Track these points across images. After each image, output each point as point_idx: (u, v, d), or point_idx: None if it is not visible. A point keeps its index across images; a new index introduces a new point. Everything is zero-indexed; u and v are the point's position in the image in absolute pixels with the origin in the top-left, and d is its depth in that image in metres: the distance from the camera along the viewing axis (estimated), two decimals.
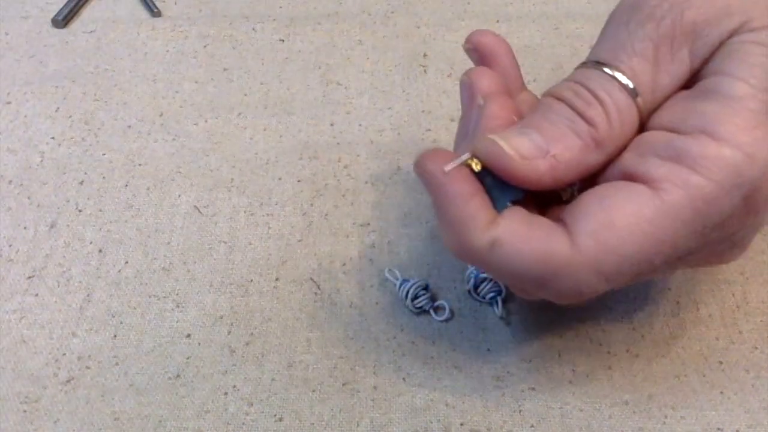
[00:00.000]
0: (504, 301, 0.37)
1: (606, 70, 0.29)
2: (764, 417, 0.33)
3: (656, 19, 0.29)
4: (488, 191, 0.28)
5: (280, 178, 0.43)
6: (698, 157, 0.26)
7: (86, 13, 0.53)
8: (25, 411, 0.34)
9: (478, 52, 0.33)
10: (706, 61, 0.28)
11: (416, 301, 0.36)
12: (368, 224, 0.41)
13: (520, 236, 0.27)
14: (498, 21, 0.51)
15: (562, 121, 0.28)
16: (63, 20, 0.51)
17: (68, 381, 0.35)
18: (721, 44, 0.28)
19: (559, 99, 0.29)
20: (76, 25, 0.52)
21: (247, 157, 0.44)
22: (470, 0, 0.52)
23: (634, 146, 0.28)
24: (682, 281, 0.38)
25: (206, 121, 0.46)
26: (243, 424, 0.34)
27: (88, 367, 0.35)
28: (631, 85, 0.28)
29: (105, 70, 0.49)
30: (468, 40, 0.33)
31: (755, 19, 0.28)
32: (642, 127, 0.29)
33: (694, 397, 0.34)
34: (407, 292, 0.37)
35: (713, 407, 0.34)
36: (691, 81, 0.29)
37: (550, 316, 0.37)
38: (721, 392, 0.34)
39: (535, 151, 0.28)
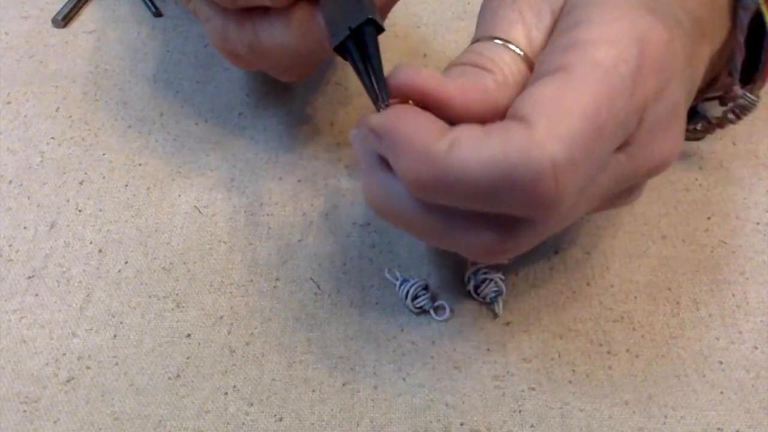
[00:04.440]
0: (504, 302, 0.37)
1: (495, 40, 0.32)
2: (764, 417, 0.33)
3: None
4: None
5: (280, 178, 0.43)
6: (587, 41, 0.29)
7: (86, 13, 0.53)
8: (25, 411, 0.34)
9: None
10: (562, 8, 0.32)
11: (416, 301, 0.37)
12: (368, 224, 0.41)
13: (477, 134, 0.28)
14: None
15: (470, 72, 0.31)
16: (63, 20, 0.51)
17: (68, 381, 0.35)
18: None
19: (462, 63, 0.32)
20: (76, 25, 0.52)
21: (247, 157, 0.44)
22: (470, 0, 0.52)
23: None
24: (682, 281, 0.38)
25: (206, 121, 0.46)
26: (243, 424, 0.34)
27: (88, 367, 0.35)
28: (512, 46, 0.31)
29: (105, 70, 0.49)
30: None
31: None
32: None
33: (694, 397, 0.34)
34: (407, 292, 0.37)
35: (713, 407, 0.34)
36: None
37: (550, 316, 0.37)
38: (721, 392, 0.34)
39: (457, 85, 0.30)
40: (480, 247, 0.31)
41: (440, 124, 0.29)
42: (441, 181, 0.28)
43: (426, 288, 0.37)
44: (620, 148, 0.30)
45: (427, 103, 0.30)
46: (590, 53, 0.29)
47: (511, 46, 0.31)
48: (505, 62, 0.31)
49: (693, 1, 0.33)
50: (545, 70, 0.29)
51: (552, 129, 0.27)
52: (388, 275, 0.38)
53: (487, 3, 0.34)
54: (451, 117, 0.30)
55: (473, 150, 0.27)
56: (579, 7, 0.31)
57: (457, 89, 0.30)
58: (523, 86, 0.31)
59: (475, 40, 0.33)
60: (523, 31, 0.32)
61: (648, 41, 0.29)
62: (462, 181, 0.28)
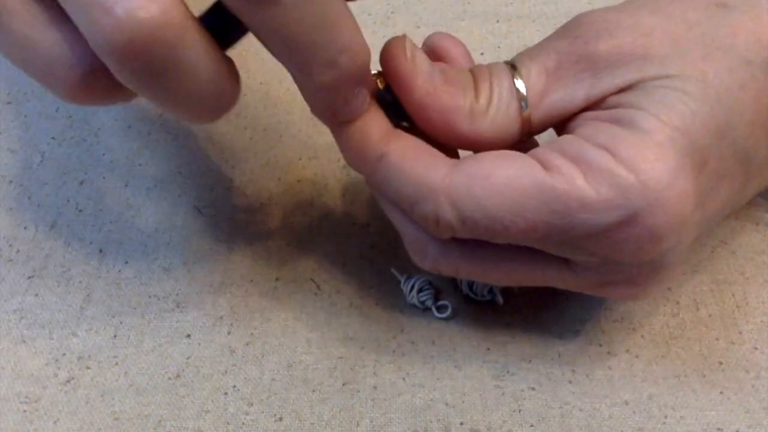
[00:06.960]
0: (502, 292, 0.37)
1: (510, 67, 0.31)
2: (764, 417, 0.33)
3: (573, 36, 0.31)
4: (386, 109, 0.31)
5: (279, 178, 0.43)
6: (593, 167, 0.28)
7: None
8: (25, 411, 0.34)
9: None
10: (611, 94, 0.30)
11: (421, 294, 0.36)
12: (368, 224, 0.41)
13: (405, 156, 0.30)
14: (498, 21, 0.51)
15: (461, 80, 0.31)
16: None
17: (68, 381, 0.35)
18: (638, 83, 0.29)
19: (469, 70, 0.32)
20: None
21: (247, 157, 0.44)
22: (470, 0, 0.52)
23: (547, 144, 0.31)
24: (683, 281, 0.38)
25: None
26: (243, 424, 0.34)
27: (88, 367, 0.35)
28: (523, 88, 0.30)
29: None
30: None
31: (672, 67, 0.29)
32: (527, 133, 0.31)
33: (694, 397, 0.34)
34: (413, 285, 0.37)
35: (713, 407, 0.34)
36: (593, 109, 0.30)
37: (550, 317, 0.37)
38: (721, 392, 0.34)
39: (431, 80, 0.30)
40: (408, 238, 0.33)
41: (382, 128, 0.30)
42: (369, 176, 0.31)
43: (430, 284, 0.37)
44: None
45: (391, 81, 0.31)
46: (577, 180, 0.28)
47: (518, 81, 0.30)
48: (499, 92, 0.31)
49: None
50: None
51: (462, 190, 0.29)
52: (394, 271, 0.38)
53: (558, 29, 0.32)
54: (405, 105, 0.31)
55: (395, 170, 0.30)
56: (624, 123, 0.29)
57: (426, 92, 0.30)
58: (501, 129, 0.30)
59: (509, 61, 0.32)
60: (545, 81, 0.30)
61: (642, 216, 0.28)
62: (382, 185, 0.31)
